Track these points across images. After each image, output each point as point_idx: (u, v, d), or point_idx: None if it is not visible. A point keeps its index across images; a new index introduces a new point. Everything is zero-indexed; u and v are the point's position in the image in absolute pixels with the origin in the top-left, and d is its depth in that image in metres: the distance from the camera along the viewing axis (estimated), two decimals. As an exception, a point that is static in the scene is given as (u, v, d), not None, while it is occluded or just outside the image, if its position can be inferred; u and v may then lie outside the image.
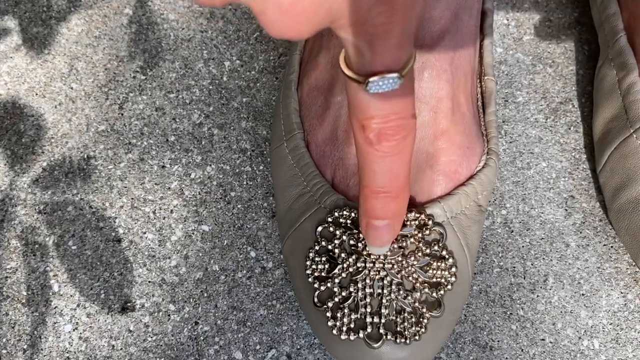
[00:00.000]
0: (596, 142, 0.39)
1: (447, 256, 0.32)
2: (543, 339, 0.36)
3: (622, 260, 0.38)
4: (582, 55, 0.43)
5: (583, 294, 0.37)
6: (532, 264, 0.37)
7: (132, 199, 0.39)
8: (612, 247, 0.38)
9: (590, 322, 0.36)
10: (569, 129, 0.41)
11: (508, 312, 0.36)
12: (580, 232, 0.38)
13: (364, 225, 0.30)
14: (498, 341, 0.36)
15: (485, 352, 0.35)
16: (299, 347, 0.35)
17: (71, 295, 0.36)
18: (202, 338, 0.36)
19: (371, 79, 0.23)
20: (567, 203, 0.39)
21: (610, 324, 0.36)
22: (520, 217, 0.39)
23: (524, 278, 0.37)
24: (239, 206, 0.39)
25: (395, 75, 0.23)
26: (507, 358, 0.35)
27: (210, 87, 0.42)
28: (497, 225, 0.38)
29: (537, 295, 0.37)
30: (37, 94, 0.42)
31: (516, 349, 0.36)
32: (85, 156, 0.40)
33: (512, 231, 0.38)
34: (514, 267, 0.37)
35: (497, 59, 0.43)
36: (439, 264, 0.32)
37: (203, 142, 0.40)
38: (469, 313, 0.36)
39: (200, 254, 0.38)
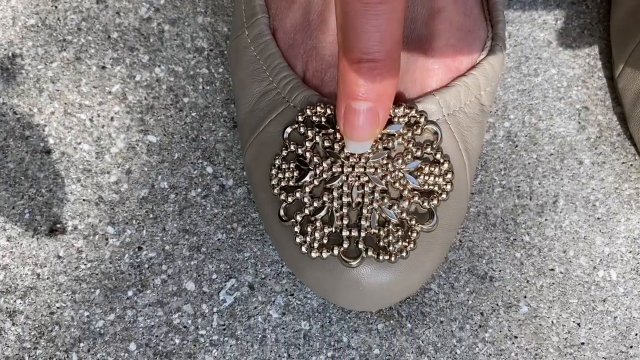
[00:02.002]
0: (614, 42, 0.33)
1: (441, 160, 0.26)
2: (552, 269, 0.30)
3: (644, 180, 0.32)
4: (598, -50, 0.37)
5: (598, 218, 0.31)
6: (539, 183, 0.32)
7: (66, 104, 0.32)
8: (632, 165, 0.32)
9: (607, 250, 0.31)
10: (583, 32, 0.35)
11: (511, 238, 0.31)
12: (595, 148, 0.33)
13: (341, 112, 0.24)
14: (499, 271, 0.30)
15: (485, 283, 0.30)
16: (263, 276, 0.30)
17: (-12, 216, 0.30)
18: (146, 266, 0.30)
19: None
20: (580, 115, 0.33)
21: (630, 252, 0.31)
22: (526, 130, 0.33)
23: (530, 199, 0.32)
24: (193, 114, 0.32)
25: None
26: (509, 290, 0.30)
27: (162, -23, 0.35)
28: (499, 139, 0.33)
29: (546, 219, 0.31)
30: (-48, -18, 0.35)
31: (521, 280, 0.30)
32: (10, 54, 0.33)
33: (517, 146, 0.33)
34: (519, 186, 0.32)
35: (500, -48, 0.37)
36: (431, 169, 0.26)
37: (151, 40, 0.34)
38: (465, 238, 0.31)
39: (146, 169, 0.31)
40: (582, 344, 0.29)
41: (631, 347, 0.29)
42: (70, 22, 0.34)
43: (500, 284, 0.30)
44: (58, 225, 0.30)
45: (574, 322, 0.29)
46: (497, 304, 0.30)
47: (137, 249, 0.30)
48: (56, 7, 0.34)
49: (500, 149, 0.33)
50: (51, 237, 0.30)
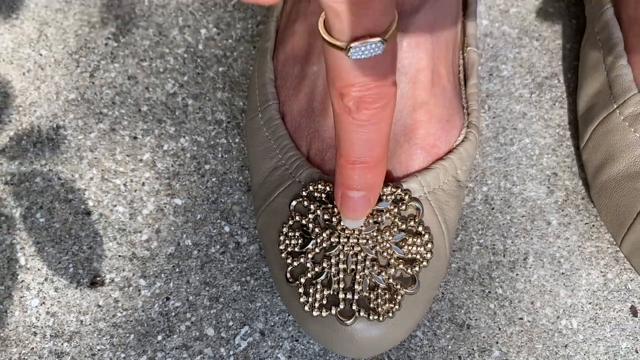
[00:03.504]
0: (580, 117, 0.38)
1: (423, 232, 0.31)
2: (521, 318, 0.35)
3: (603, 239, 0.37)
4: (570, 29, 0.42)
5: (563, 273, 0.36)
6: (512, 242, 0.37)
7: (103, 170, 0.37)
8: (593, 225, 0.37)
9: (569, 302, 0.36)
10: (554, 104, 0.40)
11: (486, 291, 0.36)
12: (562, 210, 0.38)
13: (338, 196, 0.29)
14: (476, 320, 0.35)
15: (463, 331, 0.35)
16: (272, 324, 0.35)
17: (39, 269, 0.35)
18: (173, 314, 0.35)
19: (353, 44, 0.22)
20: (550, 180, 0.38)
21: (589, 303, 0.36)
22: (502, 194, 0.38)
23: (504, 256, 0.36)
24: (213, 179, 0.38)
25: (377, 39, 0.22)
26: (484, 337, 0.35)
27: (185, 56, 0.41)
28: (477, 202, 0.38)
29: (517, 274, 0.36)
30: (4, 60, 0.40)
31: (494, 328, 0.35)
32: (55, 125, 0.38)
33: (493, 208, 0.37)
34: (494, 244, 0.37)
35: (483, 31, 0.42)
36: (414, 239, 0.31)
37: (177, 113, 0.39)
38: (446, 291, 0.36)
39: (173, 228, 0.36)
40: (546, 384, 0.34)
41: (589, 387, 0.34)
42: (105, 96, 0.39)
43: (476, 331, 0.35)
44: (98, 278, 0.35)
45: (539, 364, 0.34)
46: (473, 349, 0.34)
47: (165, 299, 0.35)
48: (93, 82, 0.40)
49: (479, 210, 0.37)
50: (92, 288, 0.35)
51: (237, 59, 0.41)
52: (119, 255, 0.36)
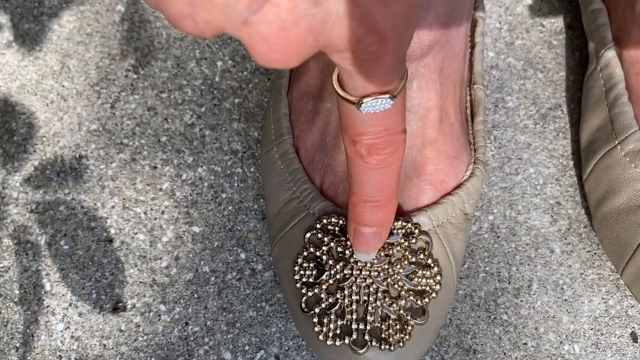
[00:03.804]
0: (582, 150, 0.39)
1: (432, 264, 0.32)
2: (525, 343, 0.37)
3: (605, 267, 0.38)
4: (573, 61, 0.44)
5: (566, 300, 0.38)
6: (517, 269, 0.38)
7: (124, 199, 0.39)
8: (595, 253, 0.39)
9: (572, 327, 0.37)
10: (558, 135, 0.42)
11: (492, 317, 0.37)
12: (565, 239, 0.39)
13: (351, 231, 0.30)
14: (482, 345, 0.37)
15: (469, 355, 0.36)
16: (287, 348, 0.36)
17: (63, 295, 0.37)
18: (192, 338, 0.36)
19: (364, 100, 0.24)
20: (553, 209, 0.40)
21: (591, 329, 0.37)
22: (507, 222, 0.39)
23: (509, 283, 0.38)
24: (229, 208, 0.39)
25: (387, 96, 0.24)
26: (489, 361, 0.36)
27: (203, 88, 0.42)
28: (484, 231, 0.39)
29: (521, 300, 0.38)
30: (28, 92, 0.42)
31: (499, 353, 0.36)
32: (77, 155, 0.40)
33: (499, 236, 0.39)
34: (499, 272, 0.38)
35: (489, 63, 0.43)
36: (424, 272, 0.32)
37: (195, 143, 0.41)
38: (454, 317, 0.37)
39: (191, 255, 0.38)
40: (549, 407, 0.35)
41: (590, 410, 0.35)
42: (126, 127, 0.41)
43: (482, 356, 0.36)
44: (120, 304, 0.37)
45: (543, 389, 0.36)
46: (479, 374, 0.36)
47: (184, 324, 0.37)
48: (114, 113, 0.41)
49: (485, 239, 0.39)
50: (114, 313, 0.37)
51: (252, 91, 0.42)
52: (140, 282, 0.37)
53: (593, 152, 0.37)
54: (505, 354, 0.36)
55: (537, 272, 0.38)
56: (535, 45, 0.44)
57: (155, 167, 0.40)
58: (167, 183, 0.40)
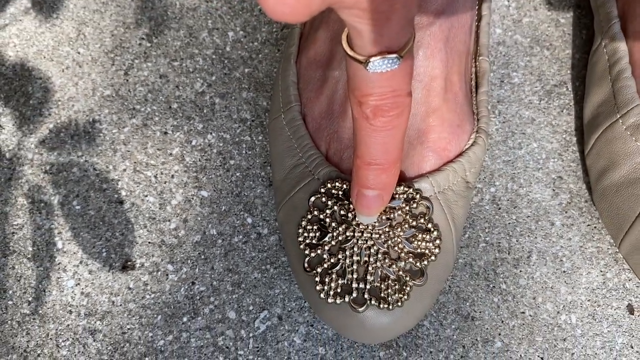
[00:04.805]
0: (585, 125, 0.40)
1: (432, 229, 0.33)
2: (523, 312, 0.37)
3: (604, 241, 0.39)
4: (580, 40, 0.44)
5: (564, 271, 0.38)
6: (517, 241, 0.39)
7: (135, 162, 0.40)
8: (595, 227, 0.39)
9: (570, 298, 0.38)
10: (562, 111, 0.42)
11: (491, 285, 0.38)
12: (566, 212, 0.40)
13: (355, 194, 0.31)
14: (480, 312, 0.37)
15: (467, 322, 0.37)
16: (289, 309, 0.37)
17: (74, 253, 0.38)
18: (198, 297, 0.37)
19: (372, 59, 0.24)
20: (555, 183, 0.40)
21: (589, 300, 0.38)
22: (509, 195, 0.40)
23: (509, 253, 0.39)
24: (237, 174, 0.40)
25: (394, 55, 0.24)
26: (487, 328, 0.37)
27: (214, 57, 0.43)
28: (485, 202, 0.40)
29: (520, 271, 0.38)
30: (45, 57, 0.43)
31: (497, 320, 0.37)
32: (91, 120, 0.41)
33: (500, 208, 0.40)
34: (500, 242, 0.39)
35: (496, 39, 0.44)
36: (424, 235, 0.33)
37: (205, 111, 0.42)
38: (453, 284, 0.38)
39: (199, 218, 0.39)
40: (544, 374, 0.36)
41: (584, 378, 0.36)
42: (138, 93, 0.42)
43: (479, 323, 0.37)
44: (129, 263, 0.38)
45: (538, 356, 0.37)
46: (477, 339, 0.37)
47: (191, 284, 0.38)
48: (127, 80, 0.42)
49: (486, 210, 0.40)
50: (123, 272, 0.38)
51: (262, 61, 0.43)
52: (149, 242, 0.39)
53: (595, 127, 0.38)
54: (502, 321, 0.37)
55: (536, 243, 0.39)
56: (542, 23, 0.45)
57: (166, 133, 0.41)
58: (177, 148, 0.41)
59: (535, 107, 0.42)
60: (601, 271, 0.38)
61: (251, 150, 0.41)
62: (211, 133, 0.41)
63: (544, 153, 0.41)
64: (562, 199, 0.40)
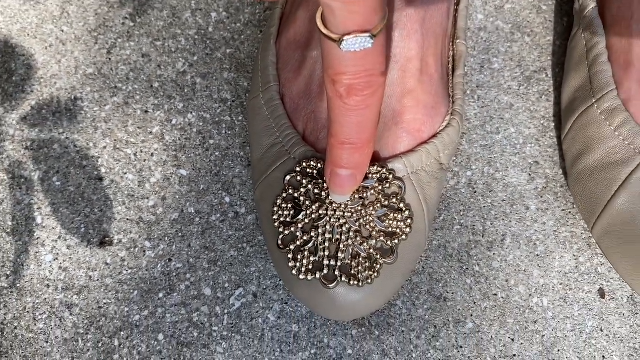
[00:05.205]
0: (563, 110, 0.40)
1: (404, 209, 0.34)
2: (495, 294, 0.38)
3: (578, 225, 0.39)
4: (561, 27, 0.44)
5: (537, 255, 0.39)
6: (491, 224, 0.39)
7: (115, 140, 0.41)
8: (570, 212, 0.40)
9: (542, 281, 0.38)
10: (541, 97, 0.42)
11: (464, 267, 0.38)
12: (541, 197, 0.40)
13: (328, 173, 0.32)
14: (452, 293, 0.38)
15: (440, 303, 0.38)
16: (264, 287, 0.38)
17: (53, 228, 0.39)
18: (174, 274, 0.38)
19: (345, 38, 0.25)
20: (532, 168, 0.41)
21: (561, 284, 0.38)
22: (485, 179, 0.40)
23: (483, 236, 0.39)
24: (216, 153, 0.41)
25: (367, 35, 0.25)
26: (459, 309, 0.37)
27: (196, 37, 0.43)
28: (461, 185, 0.40)
29: (494, 253, 0.39)
30: (28, 35, 0.43)
31: (469, 302, 0.38)
32: (73, 97, 0.41)
33: (476, 192, 0.40)
34: (474, 225, 0.39)
35: (478, 25, 0.44)
36: (395, 215, 0.33)
37: (186, 90, 0.42)
38: (427, 266, 0.38)
39: (177, 197, 0.40)
40: (514, 355, 0.37)
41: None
42: (120, 72, 0.42)
43: (452, 304, 0.38)
44: (107, 239, 0.39)
45: (509, 337, 0.37)
46: (449, 320, 0.37)
47: (167, 260, 0.38)
48: (110, 59, 0.43)
49: (462, 193, 0.40)
50: (101, 247, 0.38)
51: (244, 42, 0.43)
52: (127, 219, 0.39)
53: (572, 111, 0.38)
54: (475, 303, 0.38)
55: (511, 227, 0.39)
56: (524, 9, 0.45)
57: (146, 112, 0.41)
58: (158, 127, 0.41)
59: (514, 92, 0.42)
60: (574, 255, 0.39)
61: (231, 130, 0.41)
62: (191, 112, 0.41)
63: (521, 138, 0.41)
64: (537, 184, 0.40)
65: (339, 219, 0.33)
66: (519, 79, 0.43)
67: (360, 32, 0.25)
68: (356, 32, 0.25)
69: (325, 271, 0.33)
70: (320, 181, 0.34)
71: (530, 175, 0.40)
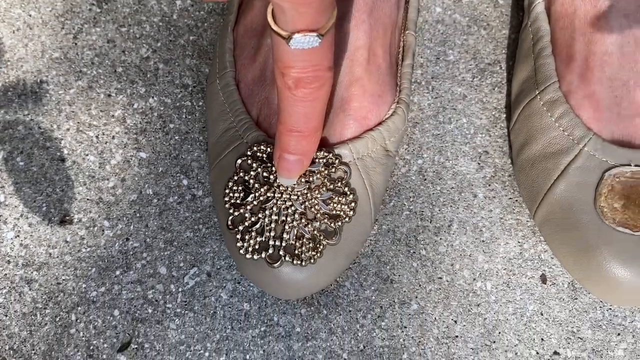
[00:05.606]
0: (512, 102, 0.41)
1: (348, 192, 0.35)
2: (440, 278, 0.39)
3: (524, 213, 0.41)
4: (516, 20, 0.46)
5: (483, 241, 0.40)
6: (439, 210, 0.41)
7: (78, 123, 0.42)
8: (516, 200, 0.41)
9: (486, 266, 0.40)
10: (493, 89, 0.44)
11: (411, 251, 0.40)
12: (489, 185, 0.41)
13: (277, 157, 0.33)
14: (399, 275, 0.39)
15: (386, 284, 0.39)
16: (218, 267, 0.39)
17: (15, 206, 0.40)
18: (131, 253, 0.39)
19: (294, 36, 0.26)
20: (481, 157, 0.42)
21: (504, 269, 0.40)
22: (435, 167, 0.42)
23: (430, 222, 0.40)
24: (176, 137, 0.42)
25: (315, 34, 0.26)
26: (405, 291, 0.39)
27: (160, 24, 0.44)
28: (412, 173, 0.42)
29: (440, 238, 0.40)
30: (-3, 19, 0.44)
31: (414, 284, 0.39)
32: (38, 80, 0.43)
33: (425, 179, 0.41)
34: (423, 211, 0.41)
35: (435, 18, 0.45)
36: (340, 198, 0.35)
37: (148, 75, 0.43)
38: (375, 249, 0.40)
39: (137, 178, 0.41)
40: (457, 336, 0.38)
41: (494, 342, 0.38)
42: (86, 56, 0.43)
43: (398, 286, 0.39)
44: (67, 218, 0.40)
45: (452, 319, 0.39)
46: (394, 301, 0.39)
47: (125, 240, 0.39)
48: (76, 44, 0.44)
49: (412, 180, 0.41)
50: (61, 226, 0.40)
51: (207, 30, 0.45)
52: (87, 199, 0.40)
53: (519, 102, 0.40)
54: (420, 285, 0.39)
55: (458, 214, 0.41)
56: (481, 3, 0.46)
57: (109, 95, 0.43)
58: (120, 111, 0.42)
59: (468, 84, 0.44)
60: (519, 242, 0.40)
61: (191, 115, 0.42)
62: (153, 97, 0.43)
63: (472, 128, 0.43)
64: (486, 173, 0.42)
65: (285, 201, 0.35)
66: (473, 70, 0.44)
67: (309, 32, 0.26)
68: (304, 31, 0.26)
69: (271, 251, 0.34)
70: (269, 165, 0.35)
71: (479, 164, 0.42)
